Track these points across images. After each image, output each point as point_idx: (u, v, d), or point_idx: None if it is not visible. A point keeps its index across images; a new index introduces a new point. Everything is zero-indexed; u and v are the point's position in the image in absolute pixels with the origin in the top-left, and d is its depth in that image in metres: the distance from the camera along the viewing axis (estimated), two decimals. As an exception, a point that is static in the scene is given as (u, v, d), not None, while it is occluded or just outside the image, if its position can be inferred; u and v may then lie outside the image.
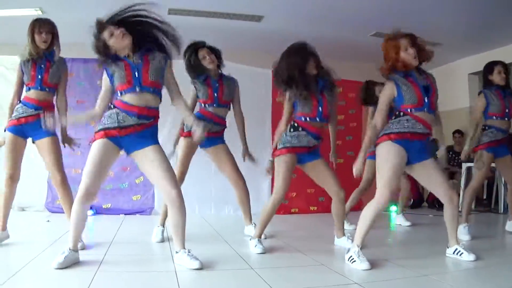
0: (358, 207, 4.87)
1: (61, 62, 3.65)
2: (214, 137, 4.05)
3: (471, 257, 3.20)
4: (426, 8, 5.54)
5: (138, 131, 2.91)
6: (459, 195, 6.99)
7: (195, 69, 4.02)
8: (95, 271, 2.76)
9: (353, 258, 3.08)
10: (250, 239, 3.67)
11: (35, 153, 5.66)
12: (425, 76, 3.24)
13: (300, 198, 6.30)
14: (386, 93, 3.22)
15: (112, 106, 2.95)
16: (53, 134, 3.52)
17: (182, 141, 4.06)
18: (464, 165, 6.63)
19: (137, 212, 5.62)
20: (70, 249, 2.90)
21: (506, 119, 4.33)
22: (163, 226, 4.04)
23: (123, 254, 3.37)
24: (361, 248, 3.13)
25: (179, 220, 2.96)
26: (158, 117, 3.05)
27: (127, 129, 2.89)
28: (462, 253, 3.25)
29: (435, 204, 7.24)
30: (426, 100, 3.15)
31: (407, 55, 3.12)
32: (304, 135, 3.61)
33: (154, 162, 2.93)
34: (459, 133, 7.63)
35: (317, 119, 3.62)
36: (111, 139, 2.91)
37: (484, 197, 7.20)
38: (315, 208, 6.31)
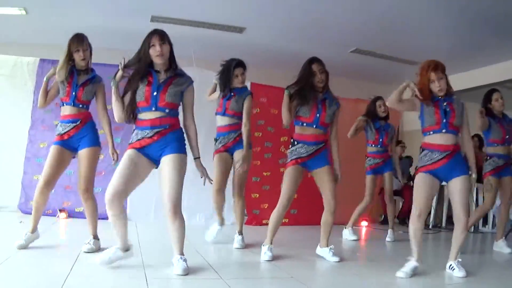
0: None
1: (97, 80, 3.69)
2: (232, 145, 4.30)
3: (461, 273, 3.37)
4: (406, 26, 5.66)
5: (156, 140, 3.02)
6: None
7: (224, 81, 4.28)
8: (66, 275, 2.77)
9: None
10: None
11: (8, 154, 5.65)
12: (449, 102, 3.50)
13: (272, 210, 6.29)
14: None
15: (134, 128, 3.12)
16: (93, 145, 3.61)
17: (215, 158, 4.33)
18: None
19: (110, 217, 5.59)
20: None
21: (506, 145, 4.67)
22: (221, 226, 4.47)
23: (94, 259, 3.37)
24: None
25: (172, 233, 3.04)
26: (177, 124, 3.13)
27: (145, 140, 3.02)
28: (455, 268, 3.42)
29: (406, 221, 7.36)
30: (444, 121, 3.39)
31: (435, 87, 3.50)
32: (300, 146, 3.76)
33: (164, 175, 3.01)
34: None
35: (314, 125, 3.74)
36: (136, 149, 3.05)
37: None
38: (287, 220, 6.28)
